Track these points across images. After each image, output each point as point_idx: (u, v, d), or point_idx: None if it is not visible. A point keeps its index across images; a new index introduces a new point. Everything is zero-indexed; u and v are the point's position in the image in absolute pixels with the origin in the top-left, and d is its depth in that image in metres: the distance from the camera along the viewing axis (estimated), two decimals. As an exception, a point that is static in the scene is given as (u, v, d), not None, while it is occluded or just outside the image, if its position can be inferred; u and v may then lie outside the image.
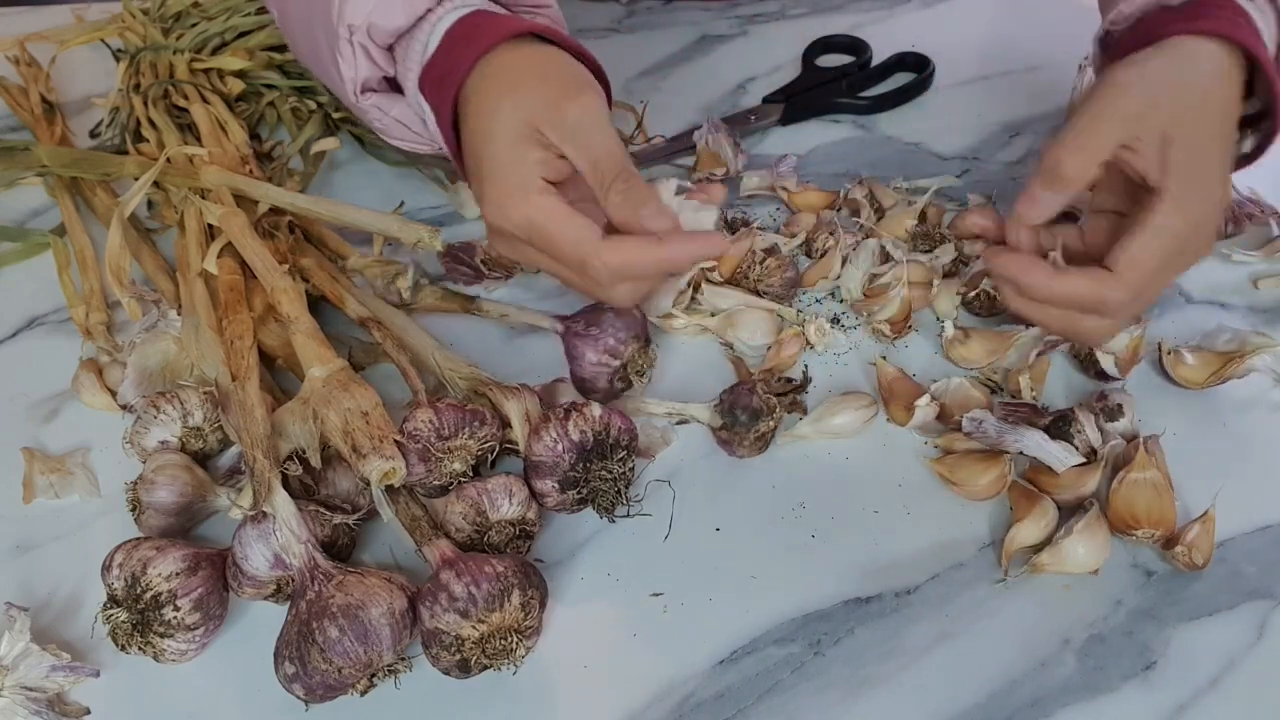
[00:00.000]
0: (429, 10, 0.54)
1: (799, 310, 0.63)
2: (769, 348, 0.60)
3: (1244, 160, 0.57)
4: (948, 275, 0.63)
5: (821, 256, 0.65)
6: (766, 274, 0.62)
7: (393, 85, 0.58)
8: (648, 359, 0.56)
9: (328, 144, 0.75)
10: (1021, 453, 0.52)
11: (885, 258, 0.64)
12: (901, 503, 0.53)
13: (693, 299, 0.62)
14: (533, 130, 0.50)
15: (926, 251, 0.64)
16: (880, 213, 0.68)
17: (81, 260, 0.66)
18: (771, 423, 0.54)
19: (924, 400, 0.54)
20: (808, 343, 0.60)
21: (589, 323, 0.55)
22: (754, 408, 0.53)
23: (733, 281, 0.63)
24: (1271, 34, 0.54)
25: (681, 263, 0.52)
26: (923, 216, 0.66)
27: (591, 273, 0.50)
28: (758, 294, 0.62)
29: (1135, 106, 0.50)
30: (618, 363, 0.55)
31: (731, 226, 0.67)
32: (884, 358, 0.59)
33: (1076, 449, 0.52)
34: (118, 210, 0.62)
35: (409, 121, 0.58)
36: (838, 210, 0.69)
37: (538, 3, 0.57)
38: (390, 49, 0.57)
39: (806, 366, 0.58)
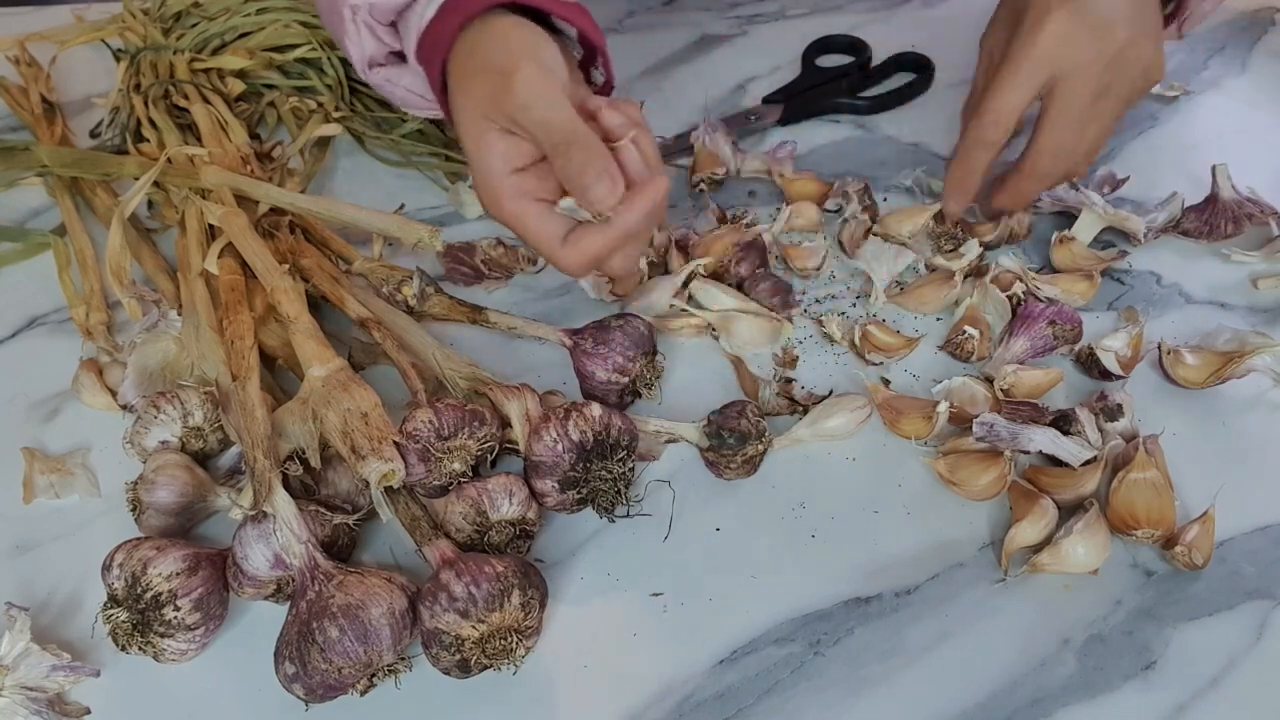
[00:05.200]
0: None
1: (804, 309, 0.63)
2: (774, 355, 0.60)
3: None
4: (973, 274, 0.64)
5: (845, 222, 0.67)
6: (754, 283, 0.63)
7: (401, 56, 0.60)
8: (655, 371, 0.56)
9: (329, 129, 0.75)
10: (1033, 451, 0.52)
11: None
12: (901, 503, 0.53)
13: (689, 298, 0.62)
14: (489, 122, 0.52)
15: (950, 251, 0.64)
16: (872, 210, 0.68)
17: (82, 260, 0.66)
18: (760, 446, 0.53)
19: (943, 407, 0.54)
20: (829, 338, 0.61)
21: (597, 340, 0.55)
22: (742, 430, 0.53)
23: (717, 277, 0.63)
24: None
25: (637, 228, 0.52)
26: (940, 217, 0.67)
27: (567, 271, 0.54)
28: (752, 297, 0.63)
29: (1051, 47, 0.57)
30: (627, 379, 0.55)
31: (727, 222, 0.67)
32: (887, 381, 0.59)
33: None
34: (118, 210, 0.62)
35: (420, 90, 0.60)
36: (837, 210, 0.69)
37: None
38: (394, 24, 0.58)
39: (832, 391, 0.58)
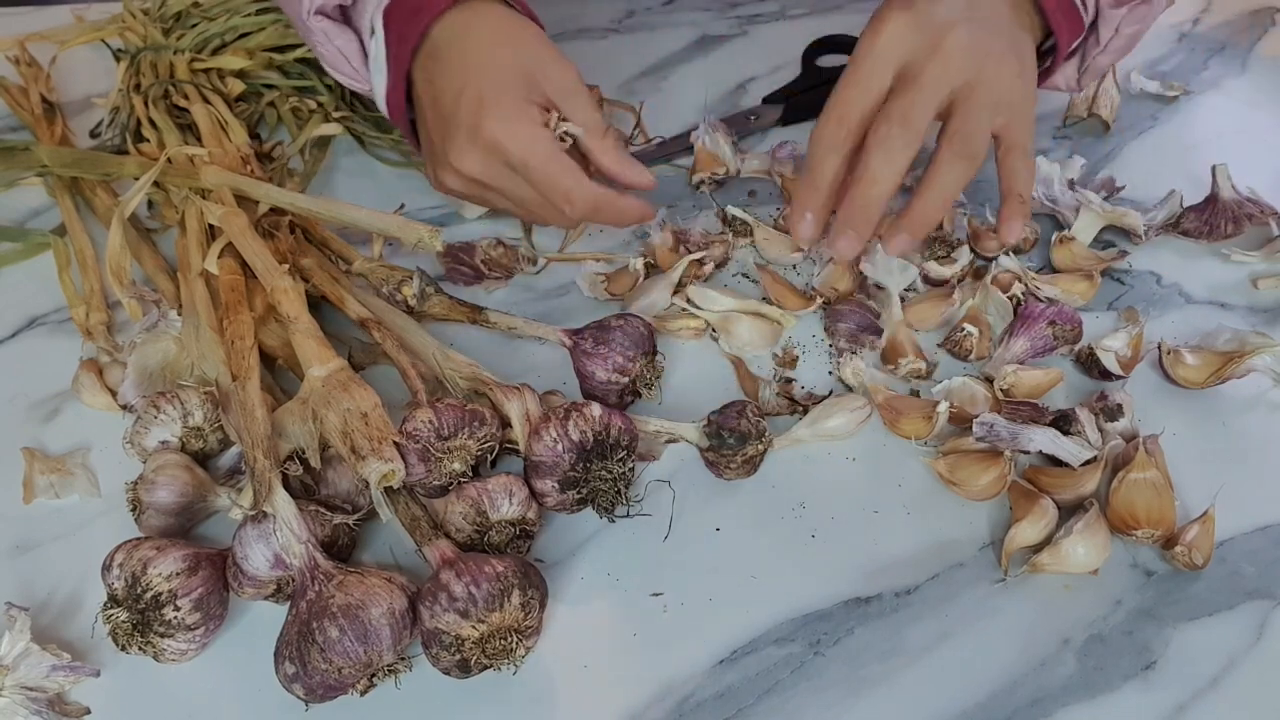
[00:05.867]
0: None
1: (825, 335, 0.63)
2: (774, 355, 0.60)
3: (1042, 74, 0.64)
4: (968, 277, 0.63)
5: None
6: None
7: (343, 18, 0.63)
8: (655, 371, 0.56)
9: (329, 129, 0.75)
10: (1033, 451, 0.52)
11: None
12: (901, 503, 0.53)
13: (688, 300, 0.62)
14: (529, 78, 0.58)
15: (943, 257, 0.64)
16: None
17: (81, 260, 0.66)
18: (760, 446, 0.53)
19: (943, 407, 0.54)
20: (843, 384, 0.59)
21: (597, 340, 0.55)
22: (741, 430, 0.52)
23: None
24: None
25: (629, 218, 0.61)
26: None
27: (571, 204, 0.58)
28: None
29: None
30: (627, 379, 0.55)
31: (730, 224, 0.67)
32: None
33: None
34: (118, 210, 0.62)
35: (349, 55, 0.63)
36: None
37: None
38: None
39: (832, 393, 0.58)
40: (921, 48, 0.55)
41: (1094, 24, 0.63)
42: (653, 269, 0.64)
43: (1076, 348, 0.59)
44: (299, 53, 0.79)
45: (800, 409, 0.56)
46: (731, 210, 0.67)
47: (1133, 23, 0.63)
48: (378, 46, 0.61)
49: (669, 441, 0.55)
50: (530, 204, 0.60)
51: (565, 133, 0.59)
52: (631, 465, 0.51)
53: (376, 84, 0.62)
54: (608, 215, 0.60)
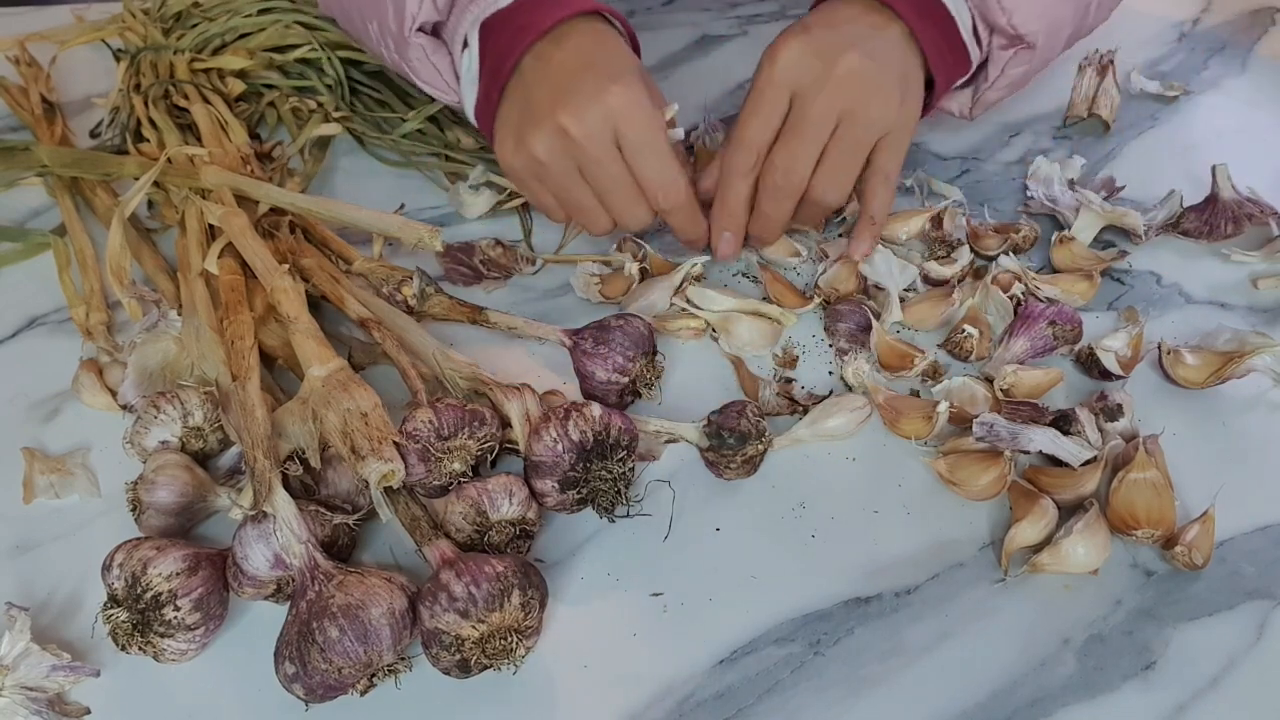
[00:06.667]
0: None
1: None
2: (774, 355, 0.60)
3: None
4: (968, 277, 0.63)
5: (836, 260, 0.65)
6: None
7: (433, 33, 0.64)
8: (655, 371, 0.56)
9: (329, 129, 0.75)
10: (1033, 451, 0.52)
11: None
12: (901, 503, 0.53)
13: (688, 300, 0.62)
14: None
15: (943, 257, 0.64)
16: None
17: (82, 260, 0.66)
18: (760, 446, 0.53)
19: (943, 407, 0.54)
20: (845, 385, 0.59)
21: (597, 340, 0.55)
22: (742, 430, 0.52)
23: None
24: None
25: (699, 232, 0.63)
26: (938, 222, 0.66)
27: (668, 195, 0.59)
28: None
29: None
30: (627, 379, 0.55)
31: None
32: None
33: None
34: (118, 210, 0.62)
35: (443, 70, 0.64)
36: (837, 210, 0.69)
37: None
38: None
39: (832, 394, 0.58)
40: (816, 72, 0.58)
41: (985, 62, 0.65)
42: (647, 274, 0.64)
43: (1076, 348, 0.59)
44: (299, 53, 0.79)
45: (800, 409, 0.56)
46: None
47: (1018, 64, 0.65)
48: (471, 60, 0.62)
49: (669, 441, 0.55)
50: (579, 205, 0.60)
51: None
52: (631, 465, 0.51)
53: (467, 96, 0.63)
54: (684, 220, 0.61)
